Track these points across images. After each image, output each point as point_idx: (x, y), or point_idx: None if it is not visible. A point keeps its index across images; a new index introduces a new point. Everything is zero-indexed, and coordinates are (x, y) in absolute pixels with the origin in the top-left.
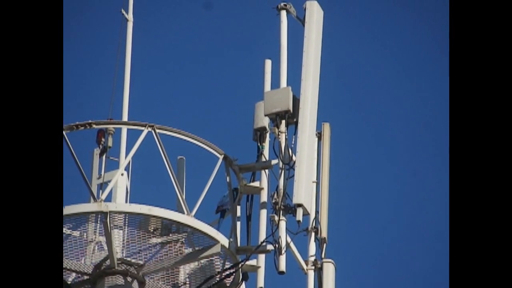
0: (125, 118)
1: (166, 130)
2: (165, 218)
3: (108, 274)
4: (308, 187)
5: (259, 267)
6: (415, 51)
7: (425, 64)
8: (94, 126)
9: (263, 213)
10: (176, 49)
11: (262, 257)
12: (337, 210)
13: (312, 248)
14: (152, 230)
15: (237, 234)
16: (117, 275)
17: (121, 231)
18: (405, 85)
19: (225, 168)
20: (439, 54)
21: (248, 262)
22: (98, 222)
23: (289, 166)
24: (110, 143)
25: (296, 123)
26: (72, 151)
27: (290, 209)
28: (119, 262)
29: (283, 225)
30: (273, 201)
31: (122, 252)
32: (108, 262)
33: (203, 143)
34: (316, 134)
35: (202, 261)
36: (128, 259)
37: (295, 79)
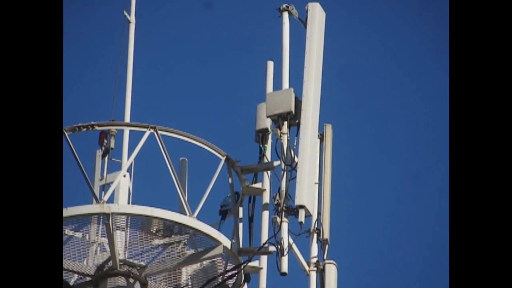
0: (127, 119)
1: (168, 131)
2: (167, 220)
3: (110, 276)
4: (310, 188)
5: (261, 268)
6: (415, 52)
7: (425, 64)
8: (96, 127)
9: (265, 214)
10: (178, 50)
11: (264, 258)
12: (339, 211)
13: (314, 249)
14: (154, 232)
15: (239, 235)
16: (119, 277)
17: (123, 233)
18: (406, 85)
19: (227, 170)
20: (439, 54)
21: (250, 264)
22: (101, 223)
23: (291, 167)
24: (112, 145)
25: (298, 125)
26: (75, 152)
27: (292, 211)
28: (121, 263)
29: (285, 226)
30: (275, 202)
31: (124, 254)
32: (110, 263)
33: (205, 145)
34: (318, 136)
35: (204, 262)
36: (130, 260)
37: (297, 81)
